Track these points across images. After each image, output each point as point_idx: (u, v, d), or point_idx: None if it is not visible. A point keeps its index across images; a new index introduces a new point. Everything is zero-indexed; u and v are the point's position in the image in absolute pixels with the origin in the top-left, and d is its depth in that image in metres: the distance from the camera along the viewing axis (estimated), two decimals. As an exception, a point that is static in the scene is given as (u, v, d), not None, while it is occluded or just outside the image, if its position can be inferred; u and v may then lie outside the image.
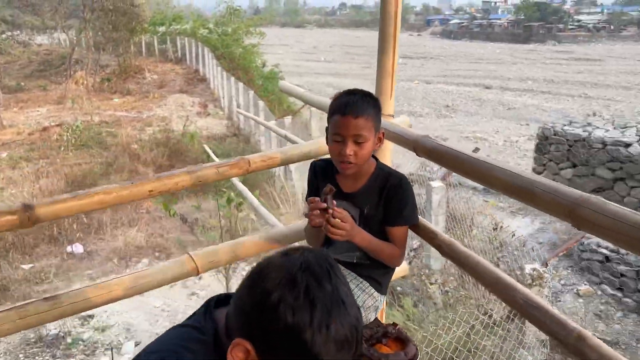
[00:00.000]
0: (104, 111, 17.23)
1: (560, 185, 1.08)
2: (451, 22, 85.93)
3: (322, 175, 1.82)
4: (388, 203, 1.69)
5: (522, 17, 74.33)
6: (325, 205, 1.50)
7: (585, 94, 28.06)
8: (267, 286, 0.85)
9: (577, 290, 6.17)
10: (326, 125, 1.70)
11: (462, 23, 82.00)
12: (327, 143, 1.70)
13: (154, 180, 1.54)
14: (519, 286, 1.25)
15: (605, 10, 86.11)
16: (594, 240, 6.12)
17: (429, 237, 1.67)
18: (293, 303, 0.82)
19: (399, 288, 5.73)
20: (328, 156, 1.76)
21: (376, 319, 1.75)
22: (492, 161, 1.33)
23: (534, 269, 3.47)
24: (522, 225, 7.27)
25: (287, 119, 9.72)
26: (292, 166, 8.76)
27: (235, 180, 5.94)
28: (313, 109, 8.66)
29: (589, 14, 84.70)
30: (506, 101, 26.00)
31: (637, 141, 6.55)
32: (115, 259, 7.79)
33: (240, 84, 14.63)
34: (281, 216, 8.03)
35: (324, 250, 0.98)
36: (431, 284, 4.81)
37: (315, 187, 1.83)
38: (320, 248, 1.84)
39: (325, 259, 0.91)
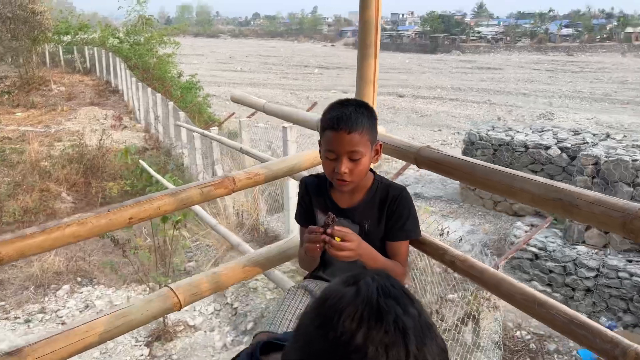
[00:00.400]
0: (6, 126, 15.90)
1: (604, 196, 1.03)
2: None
3: (314, 193, 1.71)
4: (389, 217, 1.60)
5: (428, 28, 78.07)
6: (323, 232, 1.38)
7: (489, 100, 29.85)
8: (346, 324, 0.69)
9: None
10: (319, 139, 1.58)
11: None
12: (320, 157, 1.59)
13: (133, 206, 1.34)
14: (557, 304, 1.19)
15: (501, 23, 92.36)
16: (522, 239, 6.41)
17: (438, 254, 1.59)
18: (384, 339, 0.67)
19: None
20: (319, 170, 1.64)
21: None
22: (511, 170, 1.27)
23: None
24: (453, 227, 7.49)
25: (214, 130, 9.42)
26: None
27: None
28: (243, 119, 8.44)
29: (487, 26, 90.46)
30: (419, 109, 27.11)
31: (555, 144, 6.98)
32: (31, 287, 7.13)
33: (159, 95, 14.07)
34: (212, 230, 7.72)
35: (382, 270, 0.84)
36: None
37: (307, 204, 1.72)
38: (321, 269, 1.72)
39: (389, 276, 0.79)
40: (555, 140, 7.09)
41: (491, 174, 1.30)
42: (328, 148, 1.51)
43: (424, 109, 27.14)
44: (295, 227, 6.80)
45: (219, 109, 21.06)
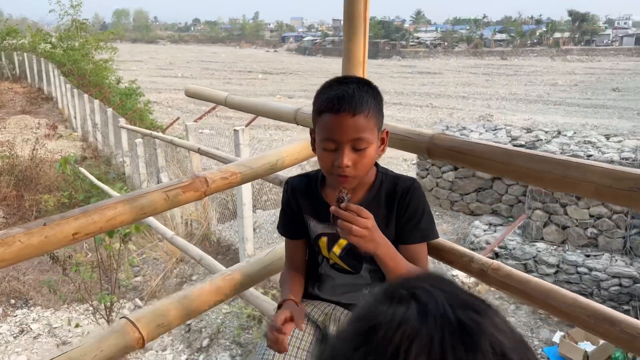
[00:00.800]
0: None
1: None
2: (305, 39, 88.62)
3: (303, 196, 1.42)
4: (400, 215, 1.33)
5: (370, 34, 79.00)
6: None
7: (431, 104, 30.48)
8: None
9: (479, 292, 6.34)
10: (311, 127, 1.30)
11: (316, 40, 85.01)
12: (313, 150, 1.30)
13: (78, 217, 1.02)
14: (622, 316, 0.97)
15: (439, 29, 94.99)
16: (483, 238, 6.35)
17: (462, 262, 1.34)
18: None
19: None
20: (305, 168, 1.36)
21: None
22: (563, 157, 1.04)
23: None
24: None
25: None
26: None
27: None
28: (189, 123, 8.01)
29: (426, 32, 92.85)
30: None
31: (510, 141, 6.99)
32: (-43, 313, 6.45)
33: (96, 102, 13.33)
34: (160, 242, 7.27)
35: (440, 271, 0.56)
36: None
37: (294, 211, 1.43)
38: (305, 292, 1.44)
39: (444, 276, 0.52)
40: (510, 138, 7.12)
41: (537, 162, 1.07)
42: (326, 136, 1.22)
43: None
44: (252, 236, 6.44)
45: (160, 115, 20.28)
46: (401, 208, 1.32)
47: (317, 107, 1.25)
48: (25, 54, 22.92)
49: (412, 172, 10.95)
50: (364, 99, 1.20)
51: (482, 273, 1.28)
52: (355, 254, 1.37)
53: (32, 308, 6.51)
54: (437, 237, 1.39)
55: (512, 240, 6.15)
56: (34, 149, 11.38)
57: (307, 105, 1.56)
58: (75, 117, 15.78)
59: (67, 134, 15.29)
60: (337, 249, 1.35)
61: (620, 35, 73.62)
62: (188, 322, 5.89)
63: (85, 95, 14.35)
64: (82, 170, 6.41)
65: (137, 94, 17.32)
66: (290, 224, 1.43)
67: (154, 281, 6.65)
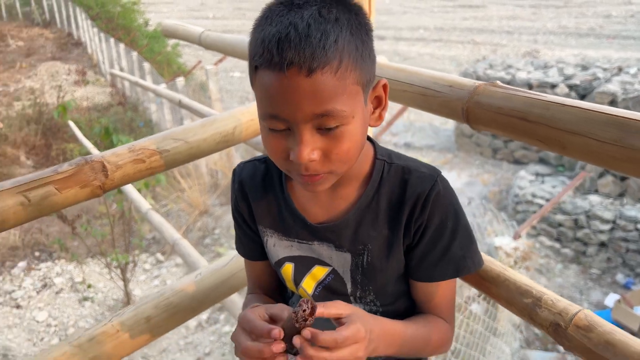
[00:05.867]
0: (-42, 87, 14.81)
1: None
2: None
3: (257, 197, 0.91)
4: (415, 239, 0.81)
5: (408, -34, 75.34)
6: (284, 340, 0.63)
7: (473, 40, 28.98)
8: None
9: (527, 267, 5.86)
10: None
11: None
12: (260, 132, 0.78)
13: None
14: None
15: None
16: (529, 190, 5.76)
17: (522, 304, 0.83)
18: None
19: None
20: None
21: None
22: None
23: (515, 248, 2.83)
24: (449, 180, 6.83)
25: (180, 82, 8.51)
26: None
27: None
28: (208, 67, 7.52)
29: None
30: (401, 51, 26.07)
31: (562, 81, 6.21)
32: (-19, 267, 6.43)
33: (122, 45, 12.96)
34: (183, 193, 7.01)
35: None
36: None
37: (245, 220, 0.93)
38: None
39: None
40: (563, 77, 6.30)
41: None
42: (268, 111, 0.71)
43: (406, 52, 26.21)
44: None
45: (190, 59, 19.78)
46: (416, 227, 0.81)
47: (251, 55, 0.72)
48: (54, -2, 22.68)
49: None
50: (328, 39, 0.66)
51: (556, 330, 0.77)
52: (339, 291, 0.88)
53: (56, 261, 6.42)
54: (481, 265, 0.86)
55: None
56: (58, 97, 11.26)
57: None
58: (103, 62, 15.54)
59: (95, 80, 15.09)
60: (309, 282, 0.86)
61: (684, -41, 67.76)
62: None
63: (112, 39, 14.01)
64: (70, 123, 6.12)
65: (164, 36, 16.84)
66: (246, 238, 0.95)
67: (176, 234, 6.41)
